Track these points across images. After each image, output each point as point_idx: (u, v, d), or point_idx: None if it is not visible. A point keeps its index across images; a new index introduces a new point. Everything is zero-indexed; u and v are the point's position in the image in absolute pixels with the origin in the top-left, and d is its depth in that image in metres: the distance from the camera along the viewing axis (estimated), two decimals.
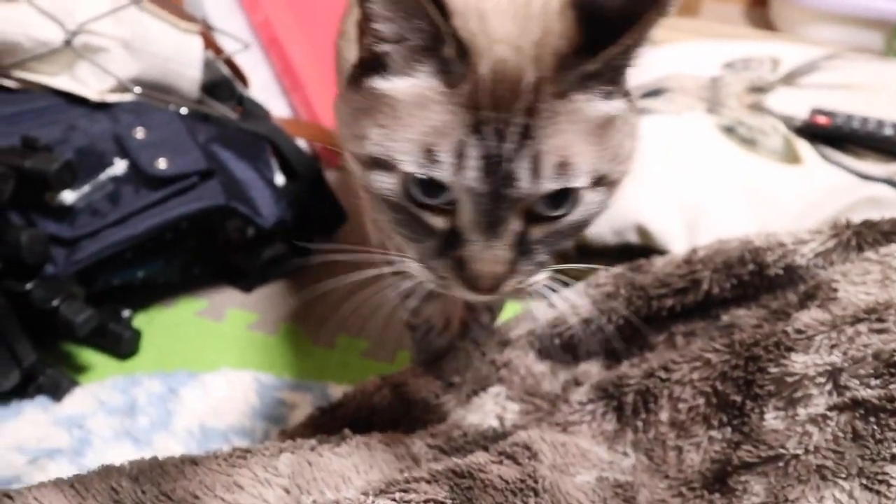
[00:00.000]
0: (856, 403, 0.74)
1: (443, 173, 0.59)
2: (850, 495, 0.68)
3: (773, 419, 0.81)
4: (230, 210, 1.28)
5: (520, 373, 1.04)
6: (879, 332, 0.80)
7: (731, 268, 1.00)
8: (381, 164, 0.62)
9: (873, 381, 0.76)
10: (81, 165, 1.20)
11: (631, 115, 0.66)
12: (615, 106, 0.62)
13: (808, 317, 0.85)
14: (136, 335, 1.24)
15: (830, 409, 0.76)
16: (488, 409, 0.97)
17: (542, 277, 0.68)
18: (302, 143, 1.57)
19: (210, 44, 1.52)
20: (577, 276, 1.03)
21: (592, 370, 1.06)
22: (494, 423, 0.96)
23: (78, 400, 1.12)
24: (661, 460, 0.87)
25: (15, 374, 1.10)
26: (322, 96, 1.71)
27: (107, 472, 0.71)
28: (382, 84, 0.62)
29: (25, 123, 1.26)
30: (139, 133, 1.27)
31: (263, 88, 1.72)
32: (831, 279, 0.92)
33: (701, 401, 0.88)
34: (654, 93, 1.50)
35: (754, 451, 0.78)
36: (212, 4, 1.67)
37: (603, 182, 0.63)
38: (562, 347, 1.07)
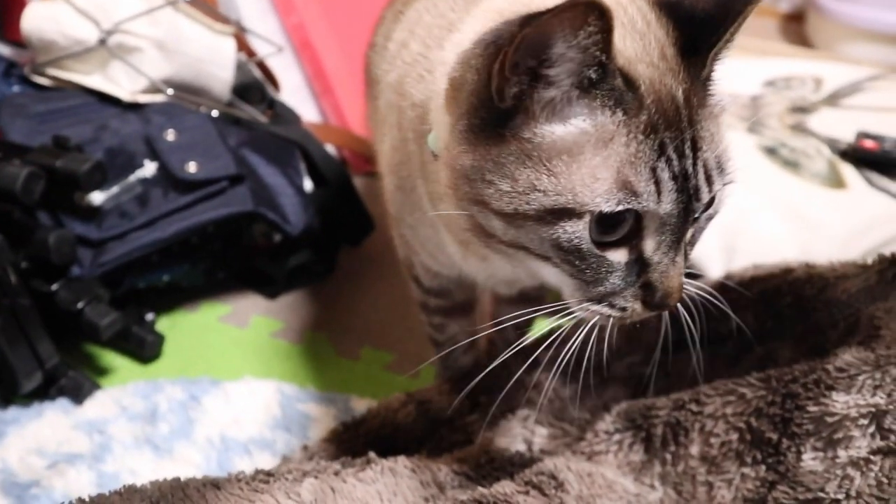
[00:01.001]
0: None
1: (644, 203, 0.58)
2: None
3: (811, 460, 0.78)
4: (258, 215, 1.27)
5: (548, 395, 1.01)
6: None
7: (769, 300, 0.97)
8: (561, 213, 0.58)
9: None
10: (111, 166, 1.20)
11: None
12: (722, 107, 0.65)
13: (850, 355, 0.82)
14: (160, 339, 1.24)
15: (874, 452, 0.73)
16: (516, 433, 0.95)
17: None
18: (330, 149, 1.56)
19: (243, 46, 1.52)
20: None
21: (620, 394, 1.03)
22: (522, 448, 0.94)
23: (99, 404, 1.12)
24: (691, 495, 0.84)
25: (37, 376, 1.09)
26: (352, 102, 1.70)
27: (128, 493, 0.69)
28: (549, 130, 0.58)
29: (57, 122, 1.26)
30: (170, 135, 1.26)
31: (293, 92, 1.71)
32: (874, 315, 0.89)
33: (734, 436, 0.85)
34: None
35: (791, 492, 0.75)
36: (246, 6, 1.66)
37: None
38: (590, 370, 1.04)
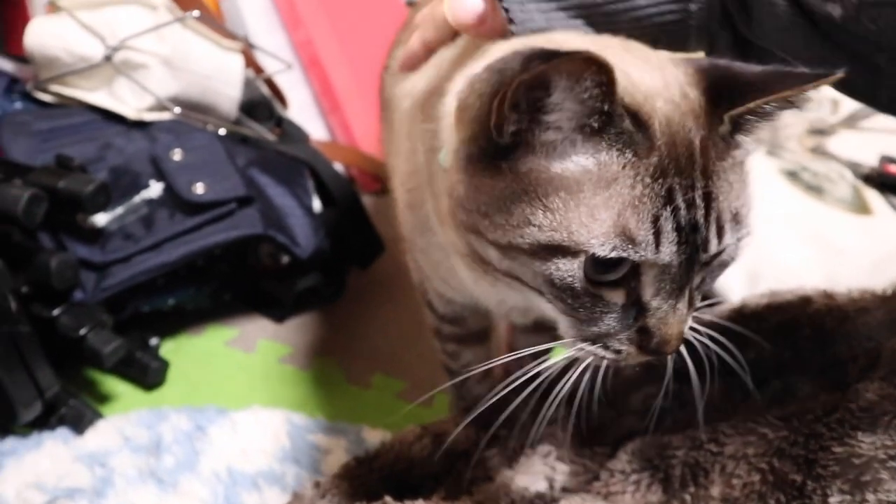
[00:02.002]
0: None
1: (641, 253, 0.55)
2: None
3: (838, 503, 0.75)
4: (266, 237, 1.23)
5: (568, 430, 0.98)
6: None
7: (787, 332, 0.94)
8: (555, 250, 0.56)
9: None
10: (116, 186, 1.16)
11: None
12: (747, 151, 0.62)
13: (873, 392, 0.79)
14: (164, 365, 1.19)
15: None
16: (537, 471, 0.91)
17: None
18: (338, 167, 1.53)
19: (250, 62, 1.48)
20: None
21: (636, 427, 1.00)
22: (543, 487, 0.90)
23: (101, 434, 1.07)
24: None
25: (37, 405, 1.05)
26: (361, 120, 1.67)
27: None
28: (548, 165, 0.56)
29: (60, 140, 1.22)
30: (177, 155, 1.23)
31: (301, 109, 1.67)
32: (895, 349, 0.86)
33: (756, 477, 0.81)
34: None
35: None
36: (254, 21, 1.63)
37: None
38: (607, 403, 1.01)
